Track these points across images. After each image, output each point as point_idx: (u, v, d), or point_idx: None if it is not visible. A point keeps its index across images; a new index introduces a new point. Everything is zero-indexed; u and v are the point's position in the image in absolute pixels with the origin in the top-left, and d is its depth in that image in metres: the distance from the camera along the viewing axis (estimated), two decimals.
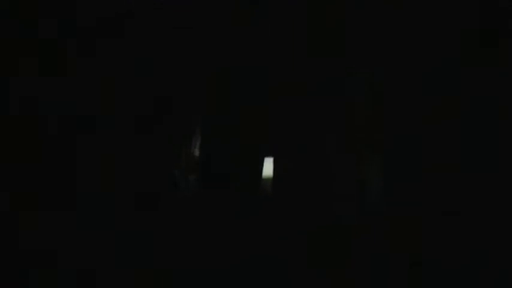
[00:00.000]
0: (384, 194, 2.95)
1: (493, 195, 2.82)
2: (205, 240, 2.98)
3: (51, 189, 3.02)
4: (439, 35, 2.87)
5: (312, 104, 3.01)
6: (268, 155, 3.09)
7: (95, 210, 3.02)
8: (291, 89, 3.05)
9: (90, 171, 3.05)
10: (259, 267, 2.91)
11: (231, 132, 3.07)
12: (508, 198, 2.80)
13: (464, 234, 2.80)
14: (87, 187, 3.04)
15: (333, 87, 3.01)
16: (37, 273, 2.85)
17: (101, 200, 3.03)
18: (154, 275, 2.91)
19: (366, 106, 3.00)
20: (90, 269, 2.90)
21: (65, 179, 3.04)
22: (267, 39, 3.06)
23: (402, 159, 2.94)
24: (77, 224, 2.99)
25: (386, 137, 2.98)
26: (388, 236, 2.85)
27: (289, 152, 3.04)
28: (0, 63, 3.01)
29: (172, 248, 2.98)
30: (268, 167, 3.08)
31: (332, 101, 3.00)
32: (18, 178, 3.02)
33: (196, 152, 3.13)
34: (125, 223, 3.01)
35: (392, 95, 2.97)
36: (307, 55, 3.02)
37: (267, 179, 3.07)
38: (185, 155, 3.12)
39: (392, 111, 2.97)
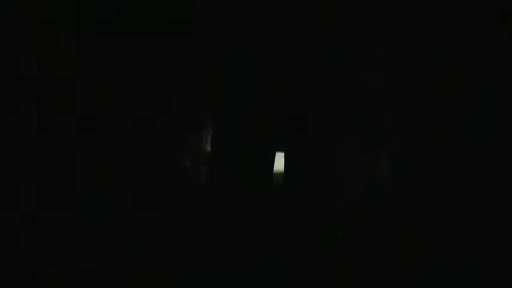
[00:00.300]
0: (390, 188, 2.96)
1: (497, 185, 2.82)
2: (211, 237, 2.98)
3: (51, 189, 3.01)
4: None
5: (320, 99, 3.02)
6: (279, 150, 3.09)
7: (96, 209, 3.01)
8: (300, 82, 3.06)
9: (91, 171, 3.05)
10: (265, 265, 2.90)
11: (242, 126, 3.07)
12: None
13: (470, 228, 2.80)
14: (88, 187, 3.03)
15: (341, 82, 3.02)
16: (37, 274, 2.83)
17: (102, 200, 3.03)
18: (156, 275, 2.90)
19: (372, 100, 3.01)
20: (90, 269, 2.89)
21: (66, 178, 3.04)
22: (276, 32, 3.06)
23: (409, 154, 2.94)
24: (77, 223, 2.99)
25: (394, 130, 2.99)
26: (394, 232, 2.85)
27: (300, 147, 3.04)
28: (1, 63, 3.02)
29: (176, 246, 2.97)
30: (279, 162, 3.08)
31: (340, 95, 3.02)
32: (19, 178, 3.01)
33: (208, 146, 3.13)
34: (126, 222, 3.00)
35: (396, 86, 2.99)
36: (316, 50, 3.03)
37: (278, 174, 3.07)
38: (196, 149, 3.12)
39: (398, 102, 2.99)
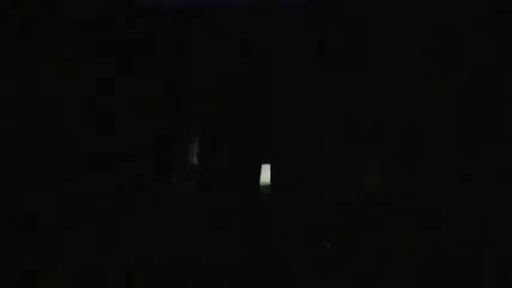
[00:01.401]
0: (390, 188, 2.96)
1: (497, 185, 2.82)
2: (211, 238, 2.99)
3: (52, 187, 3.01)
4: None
5: (309, 104, 3.04)
6: (265, 162, 3.10)
7: (95, 210, 3.02)
8: (299, 83, 3.06)
9: (92, 171, 3.05)
10: (265, 265, 2.91)
11: (229, 139, 3.10)
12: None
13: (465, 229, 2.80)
14: (89, 186, 3.04)
15: (341, 82, 3.02)
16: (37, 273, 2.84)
17: (101, 200, 3.03)
18: (157, 275, 2.90)
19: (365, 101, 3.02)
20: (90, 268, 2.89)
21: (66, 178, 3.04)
22: (266, 46, 3.08)
23: (402, 154, 2.94)
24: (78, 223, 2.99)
25: (386, 131, 2.99)
26: (394, 232, 2.85)
27: (287, 156, 3.05)
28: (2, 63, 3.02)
29: (176, 247, 2.98)
30: (265, 174, 3.10)
31: (340, 95, 3.02)
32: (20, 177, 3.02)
33: (195, 159, 3.16)
34: (124, 225, 3.00)
35: (391, 87, 2.99)
36: (304, 62, 3.05)
37: (265, 186, 3.09)
38: (184, 162, 3.15)
39: (397, 102, 2.99)
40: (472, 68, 2.88)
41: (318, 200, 2.99)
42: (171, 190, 3.12)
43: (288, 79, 3.09)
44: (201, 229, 3.03)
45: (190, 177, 3.14)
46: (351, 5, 2.98)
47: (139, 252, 2.97)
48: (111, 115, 3.11)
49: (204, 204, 3.08)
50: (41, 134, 3.03)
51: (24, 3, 3.01)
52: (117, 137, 3.08)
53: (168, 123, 3.15)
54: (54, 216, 2.97)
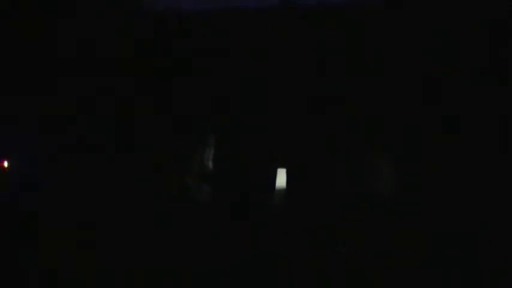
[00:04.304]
0: (391, 189, 2.96)
1: (497, 186, 2.82)
2: (212, 238, 3.00)
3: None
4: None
5: (309, 104, 3.05)
6: (281, 166, 3.12)
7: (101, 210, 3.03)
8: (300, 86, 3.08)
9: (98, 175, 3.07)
10: (265, 265, 2.91)
11: (243, 143, 3.12)
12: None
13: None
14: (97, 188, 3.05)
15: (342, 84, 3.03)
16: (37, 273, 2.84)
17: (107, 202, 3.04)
18: (158, 275, 2.90)
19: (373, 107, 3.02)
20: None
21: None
22: (278, 55, 3.10)
23: (409, 154, 2.95)
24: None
25: (386, 131, 3.00)
26: (394, 232, 2.85)
27: (301, 161, 3.07)
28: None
29: (177, 247, 2.98)
30: (281, 178, 3.11)
31: (330, 99, 3.04)
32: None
33: (210, 163, 3.18)
34: (130, 225, 3.02)
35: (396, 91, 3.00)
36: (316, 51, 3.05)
37: (281, 189, 3.10)
38: (198, 166, 3.16)
39: (398, 103, 2.99)
40: (472, 68, 2.88)
41: (318, 201, 3.00)
42: (185, 193, 3.14)
43: (288, 79, 3.09)
44: (210, 230, 3.04)
45: (205, 180, 3.16)
46: (351, 5, 2.98)
47: (142, 251, 2.97)
48: (112, 116, 3.12)
49: (216, 206, 3.10)
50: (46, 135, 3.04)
51: (24, 3, 3.01)
52: (121, 138, 3.08)
53: (181, 127, 3.17)
54: (54, 216, 2.98)
